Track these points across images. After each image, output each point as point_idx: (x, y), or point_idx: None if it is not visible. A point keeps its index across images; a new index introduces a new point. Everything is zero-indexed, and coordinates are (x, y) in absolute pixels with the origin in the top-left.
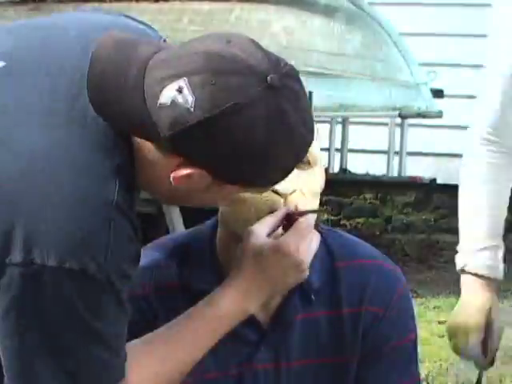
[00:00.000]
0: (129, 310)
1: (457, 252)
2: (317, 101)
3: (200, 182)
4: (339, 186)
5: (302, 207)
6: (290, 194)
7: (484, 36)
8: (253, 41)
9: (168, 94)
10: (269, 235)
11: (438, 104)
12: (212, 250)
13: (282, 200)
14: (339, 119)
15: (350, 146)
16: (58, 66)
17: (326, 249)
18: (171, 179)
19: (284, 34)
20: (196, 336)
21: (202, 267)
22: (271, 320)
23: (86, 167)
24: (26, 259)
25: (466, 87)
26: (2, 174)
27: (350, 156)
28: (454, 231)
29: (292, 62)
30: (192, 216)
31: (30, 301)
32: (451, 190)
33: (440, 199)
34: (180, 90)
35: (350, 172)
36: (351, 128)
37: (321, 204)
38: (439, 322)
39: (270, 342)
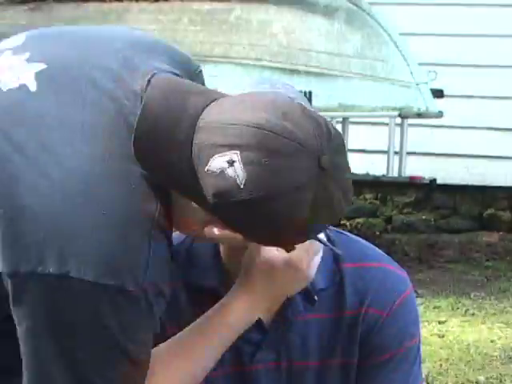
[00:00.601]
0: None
1: (457, 252)
2: (317, 101)
3: (231, 238)
4: None
5: None
6: None
7: (484, 36)
8: (304, 109)
9: (218, 164)
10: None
11: (438, 104)
12: (215, 250)
13: None
14: (339, 119)
15: (350, 146)
16: (100, 77)
17: (333, 250)
18: (204, 231)
19: (284, 34)
20: (208, 346)
21: (205, 266)
22: (273, 320)
23: (128, 183)
24: (62, 271)
25: (466, 87)
26: (43, 190)
27: (350, 156)
28: (454, 231)
29: (292, 62)
30: None
31: (59, 313)
32: (451, 190)
33: (440, 199)
34: (231, 163)
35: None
36: (351, 128)
37: None
38: (439, 322)
39: (272, 342)
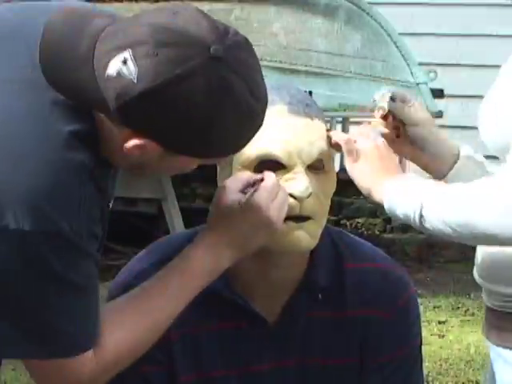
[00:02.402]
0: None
1: (457, 252)
2: (317, 101)
3: (152, 152)
4: (339, 185)
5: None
6: (307, 197)
7: (484, 36)
8: (201, 12)
9: (114, 66)
10: (242, 191)
11: (438, 104)
12: None
13: (298, 204)
14: (339, 119)
15: None
16: (35, 36)
17: (335, 250)
18: (124, 150)
19: (284, 34)
20: (169, 291)
21: None
22: (277, 318)
23: (55, 133)
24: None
25: (466, 87)
26: None
27: None
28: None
29: (292, 62)
30: (192, 216)
31: (3, 263)
32: None
33: None
34: (125, 62)
35: None
36: (351, 128)
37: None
38: (439, 322)
39: (276, 341)
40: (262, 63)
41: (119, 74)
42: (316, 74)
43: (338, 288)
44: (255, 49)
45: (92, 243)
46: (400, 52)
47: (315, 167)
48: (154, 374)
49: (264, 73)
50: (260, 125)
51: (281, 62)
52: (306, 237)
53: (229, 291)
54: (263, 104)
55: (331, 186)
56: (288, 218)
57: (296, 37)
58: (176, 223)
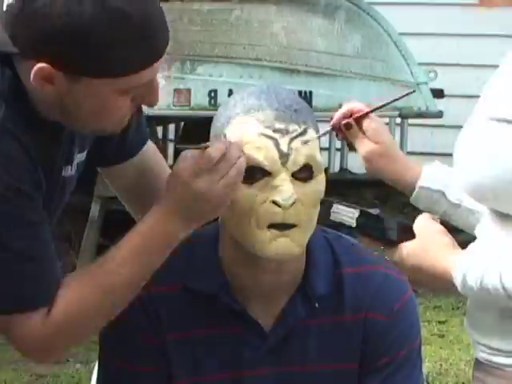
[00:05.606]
0: (42, 224)
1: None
2: (317, 101)
3: (55, 79)
4: (339, 185)
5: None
6: (291, 205)
7: (484, 36)
8: None
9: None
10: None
11: (438, 104)
12: (215, 255)
13: (282, 212)
14: None
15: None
16: None
17: (333, 255)
18: (31, 81)
19: (284, 34)
20: (120, 253)
21: (204, 271)
22: (274, 325)
23: None
24: None
25: (466, 87)
26: None
27: (350, 156)
28: (455, 231)
29: (292, 62)
30: None
31: None
32: None
33: None
34: None
35: (350, 172)
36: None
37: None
38: (439, 322)
39: (272, 347)
40: (262, 63)
41: (7, 4)
42: (316, 74)
43: (336, 294)
44: (255, 49)
45: (22, 201)
46: (400, 52)
47: (302, 174)
48: (149, 375)
49: (264, 73)
50: (139, 26)
51: (281, 62)
52: (291, 244)
53: (226, 296)
54: (144, 13)
55: (319, 193)
56: (272, 226)
57: (296, 37)
58: None
